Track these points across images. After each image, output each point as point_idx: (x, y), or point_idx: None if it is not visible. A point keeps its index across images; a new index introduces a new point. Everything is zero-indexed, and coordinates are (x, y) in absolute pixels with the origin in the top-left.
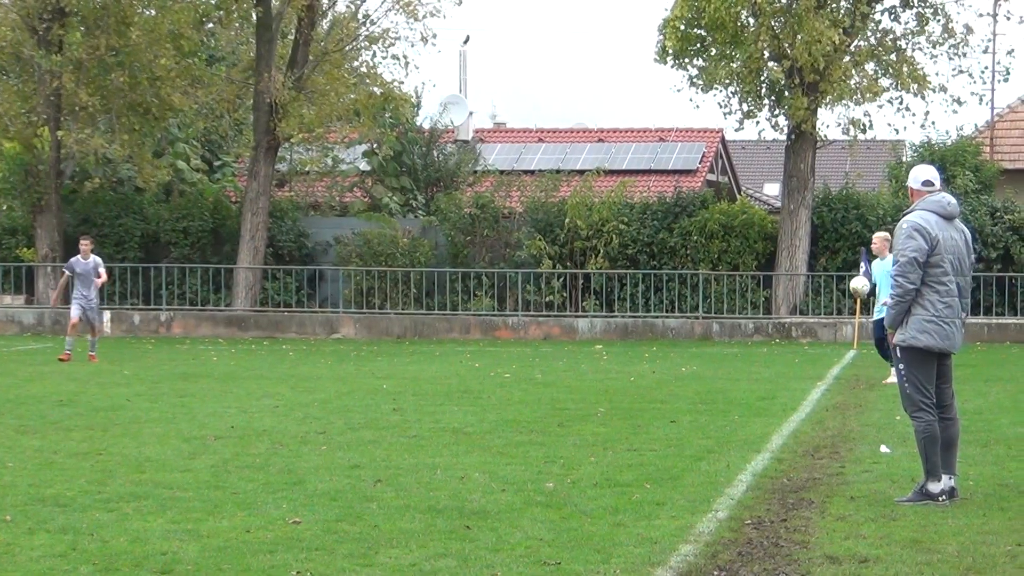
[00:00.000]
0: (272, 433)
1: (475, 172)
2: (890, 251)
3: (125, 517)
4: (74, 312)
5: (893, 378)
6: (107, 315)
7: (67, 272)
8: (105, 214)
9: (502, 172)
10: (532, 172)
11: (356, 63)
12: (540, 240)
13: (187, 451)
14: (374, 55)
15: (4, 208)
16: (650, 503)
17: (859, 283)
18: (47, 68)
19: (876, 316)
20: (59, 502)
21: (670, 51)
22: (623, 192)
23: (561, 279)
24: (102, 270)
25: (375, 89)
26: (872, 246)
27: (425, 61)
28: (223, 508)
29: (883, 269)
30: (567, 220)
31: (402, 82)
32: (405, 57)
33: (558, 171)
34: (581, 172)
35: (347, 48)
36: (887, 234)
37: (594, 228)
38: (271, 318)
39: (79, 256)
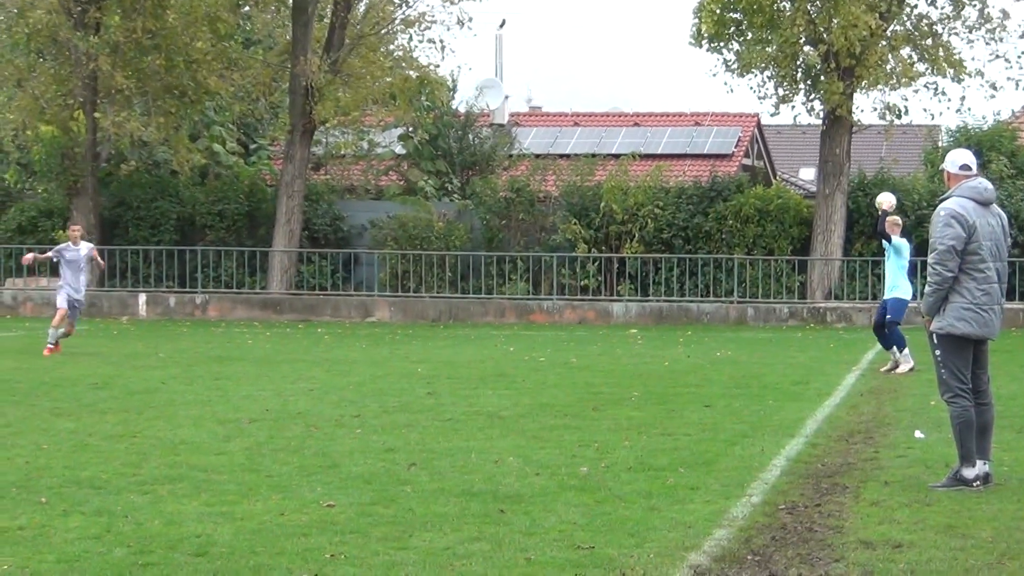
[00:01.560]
0: (307, 416)
1: (511, 156)
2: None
3: (160, 499)
4: (61, 302)
5: (891, 365)
6: (143, 297)
7: (54, 258)
8: (141, 197)
9: (537, 156)
10: (568, 156)
11: (392, 46)
12: (575, 224)
13: (222, 434)
14: (410, 38)
15: (41, 191)
16: (684, 487)
17: (886, 198)
18: (84, 51)
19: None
20: (94, 484)
21: (705, 35)
22: (659, 176)
23: (596, 263)
24: (96, 255)
25: (411, 72)
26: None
27: (461, 45)
28: (257, 491)
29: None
30: (602, 204)
31: (438, 65)
32: (441, 41)
33: (594, 155)
34: (617, 156)
35: (383, 31)
36: (898, 218)
37: (629, 212)
38: (306, 301)
39: (68, 243)
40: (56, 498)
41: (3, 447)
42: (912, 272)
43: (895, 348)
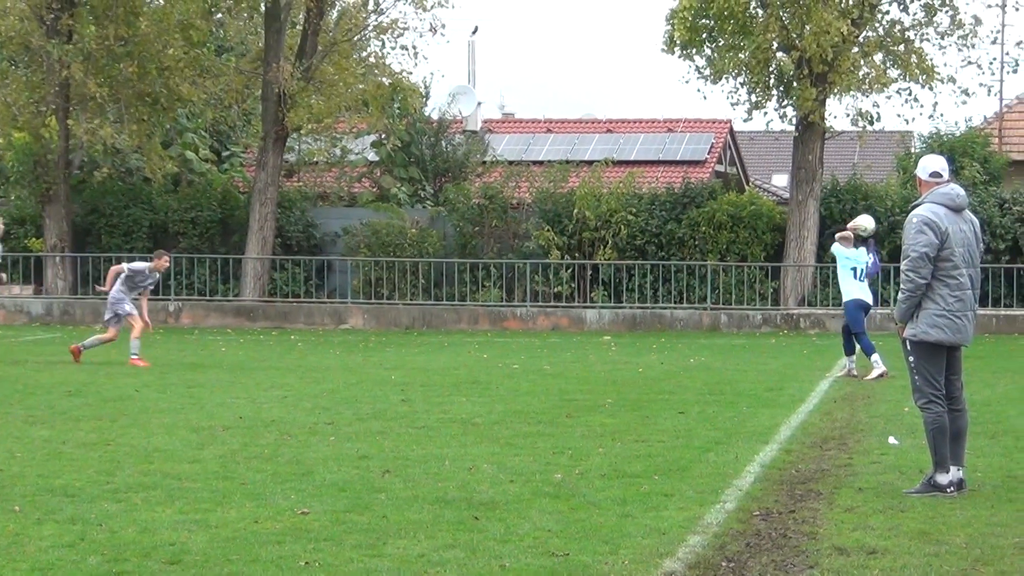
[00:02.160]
0: (280, 423)
1: (484, 163)
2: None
3: (134, 507)
4: (132, 309)
5: (872, 373)
6: None
7: (127, 271)
8: (114, 204)
9: (511, 162)
10: (541, 163)
11: (365, 53)
12: (548, 231)
13: (196, 441)
14: (383, 45)
15: (13, 198)
16: (658, 494)
17: (865, 221)
18: (56, 58)
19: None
20: (68, 492)
21: (678, 41)
22: (632, 183)
23: (569, 270)
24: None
25: (384, 79)
26: (839, 234)
27: (434, 51)
28: (231, 498)
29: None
30: (575, 211)
31: (411, 72)
32: (414, 47)
33: (567, 162)
34: (590, 163)
35: (356, 38)
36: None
37: (602, 219)
38: (279, 308)
39: (155, 269)
40: (30, 506)
41: None
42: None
43: (851, 356)
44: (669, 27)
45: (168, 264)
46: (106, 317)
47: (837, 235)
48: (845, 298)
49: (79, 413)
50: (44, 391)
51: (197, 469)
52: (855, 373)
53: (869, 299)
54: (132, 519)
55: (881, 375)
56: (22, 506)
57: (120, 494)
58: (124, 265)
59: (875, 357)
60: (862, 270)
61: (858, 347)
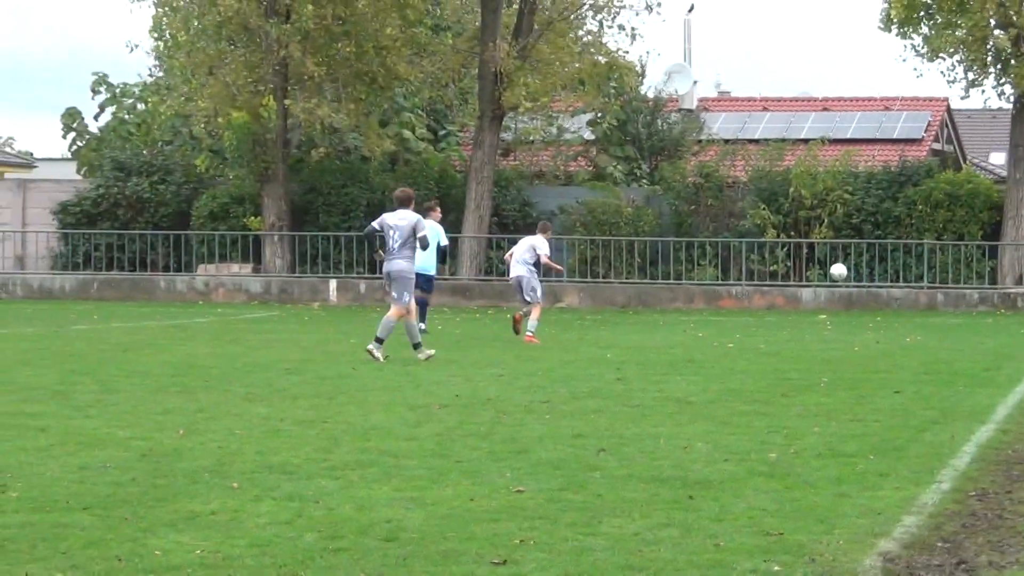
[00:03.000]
0: (496, 402)
1: (699, 141)
2: None
3: (350, 485)
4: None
5: None
6: (333, 283)
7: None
8: (331, 183)
9: (726, 141)
10: (756, 141)
11: (580, 32)
12: (764, 209)
13: (412, 419)
14: (599, 24)
15: (232, 177)
16: (874, 474)
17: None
18: (274, 38)
19: None
20: (285, 469)
21: (895, 20)
22: (848, 161)
23: (785, 248)
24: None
25: (599, 58)
26: None
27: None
28: (447, 476)
29: None
30: (791, 189)
31: (627, 51)
32: (631, 26)
33: (782, 140)
34: (805, 141)
35: (572, 17)
36: None
37: (818, 197)
38: (496, 287)
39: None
40: (248, 483)
41: (196, 432)
42: None
43: None
44: (886, 5)
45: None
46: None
47: None
48: None
49: (297, 391)
50: (262, 369)
51: (413, 447)
52: None
53: None
54: (349, 496)
55: None
56: (240, 483)
57: (337, 471)
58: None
59: None
60: None
61: None
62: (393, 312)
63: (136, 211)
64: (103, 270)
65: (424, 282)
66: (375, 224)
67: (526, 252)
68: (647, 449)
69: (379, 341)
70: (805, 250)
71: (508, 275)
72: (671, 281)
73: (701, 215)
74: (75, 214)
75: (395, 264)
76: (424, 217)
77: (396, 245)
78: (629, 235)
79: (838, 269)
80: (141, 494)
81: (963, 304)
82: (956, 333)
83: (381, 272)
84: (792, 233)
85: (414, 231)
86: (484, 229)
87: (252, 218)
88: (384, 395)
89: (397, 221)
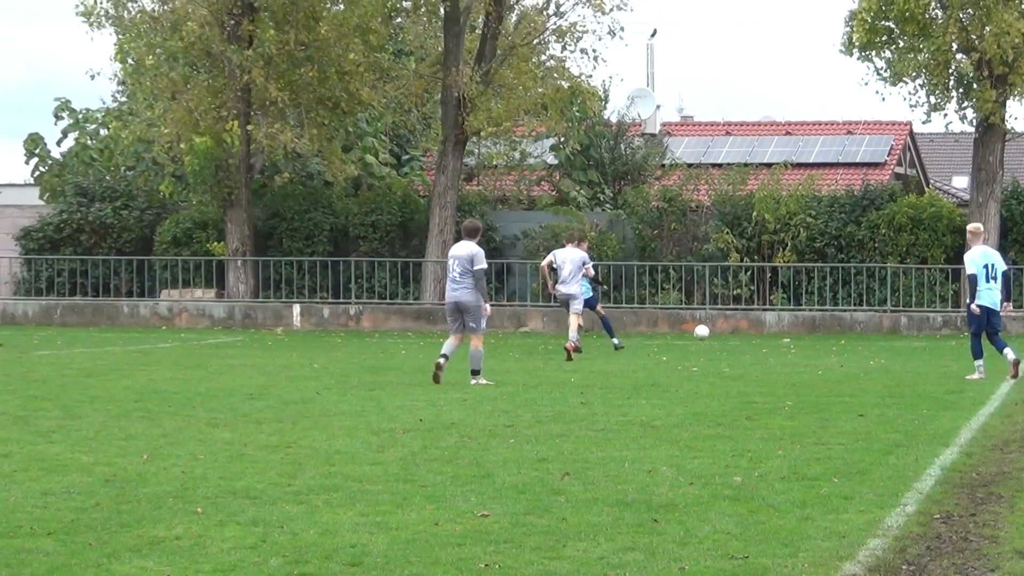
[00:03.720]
0: (460, 426)
1: (662, 166)
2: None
3: (315, 509)
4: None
5: (974, 375)
6: (297, 308)
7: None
8: (294, 208)
9: (689, 165)
10: (719, 165)
11: (543, 57)
12: (727, 234)
13: (376, 444)
14: (562, 48)
15: (195, 202)
16: (838, 497)
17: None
18: (237, 63)
19: (981, 302)
20: (249, 494)
21: (856, 43)
22: (811, 185)
23: (748, 272)
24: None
25: (562, 83)
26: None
27: (612, 54)
28: (412, 501)
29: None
30: (755, 213)
31: (590, 76)
32: (593, 51)
33: (746, 164)
34: (768, 165)
35: (534, 42)
36: (978, 226)
37: (782, 221)
38: None
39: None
40: (212, 508)
41: (160, 457)
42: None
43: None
44: (848, 29)
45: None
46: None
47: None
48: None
49: (260, 416)
50: (226, 394)
51: (378, 471)
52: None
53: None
54: (313, 521)
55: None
56: (204, 508)
57: (302, 496)
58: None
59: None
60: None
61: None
62: (476, 341)
63: (99, 236)
64: (66, 295)
65: (589, 301)
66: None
67: (574, 267)
68: (612, 473)
69: (476, 373)
70: (769, 274)
71: (557, 295)
72: (635, 305)
73: (665, 239)
74: (38, 239)
75: (460, 295)
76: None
77: (458, 274)
78: (593, 260)
79: (701, 330)
80: (105, 519)
81: (926, 327)
82: (919, 356)
83: (344, 298)
84: (756, 257)
85: (472, 262)
86: (447, 254)
87: (215, 243)
88: (348, 420)
89: (457, 251)
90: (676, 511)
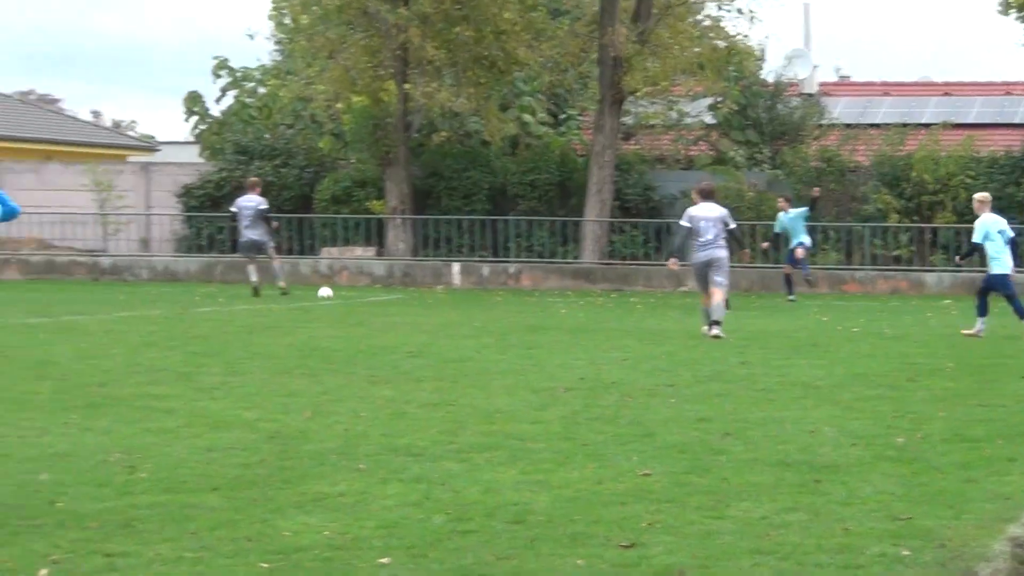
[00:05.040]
0: (621, 385)
1: (820, 126)
2: None
3: (476, 467)
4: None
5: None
6: (456, 267)
7: None
8: (453, 167)
9: (847, 125)
10: (878, 125)
11: (699, 16)
12: (886, 194)
13: (536, 402)
14: (718, 8)
15: (354, 161)
16: (1002, 459)
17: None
18: (393, 22)
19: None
20: (411, 452)
21: (1014, 4)
22: (970, 146)
23: (908, 233)
24: None
25: (719, 42)
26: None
27: (769, 14)
28: (573, 459)
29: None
30: (913, 174)
31: (746, 35)
32: (749, 10)
33: (904, 125)
34: (927, 125)
35: (690, 1)
36: (987, 195)
37: (941, 182)
38: (618, 271)
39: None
40: (374, 465)
41: (322, 414)
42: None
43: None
44: None
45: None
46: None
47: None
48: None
49: (421, 374)
50: (386, 352)
51: (539, 430)
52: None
53: None
54: (475, 479)
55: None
56: (367, 465)
57: (463, 454)
58: None
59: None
60: None
61: None
62: (720, 295)
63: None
64: (227, 253)
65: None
66: (682, 222)
67: (715, 227)
68: (772, 433)
69: (717, 324)
70: (928, 235)
71: (694, 256)
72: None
73: (824, 199)
74: (199, 197)
75: (715, 252)
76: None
77: (711, 236)
78: (751, 219)
79: (324, 291)
80: (268, 475)
81: None
82: None
83: (503, 256)
84: (915, 218)
85: (724, 222)
86: (606, 213)
87: (374, 201)
88: (508, 378)
89: (706, 213)
90: (839, 472)
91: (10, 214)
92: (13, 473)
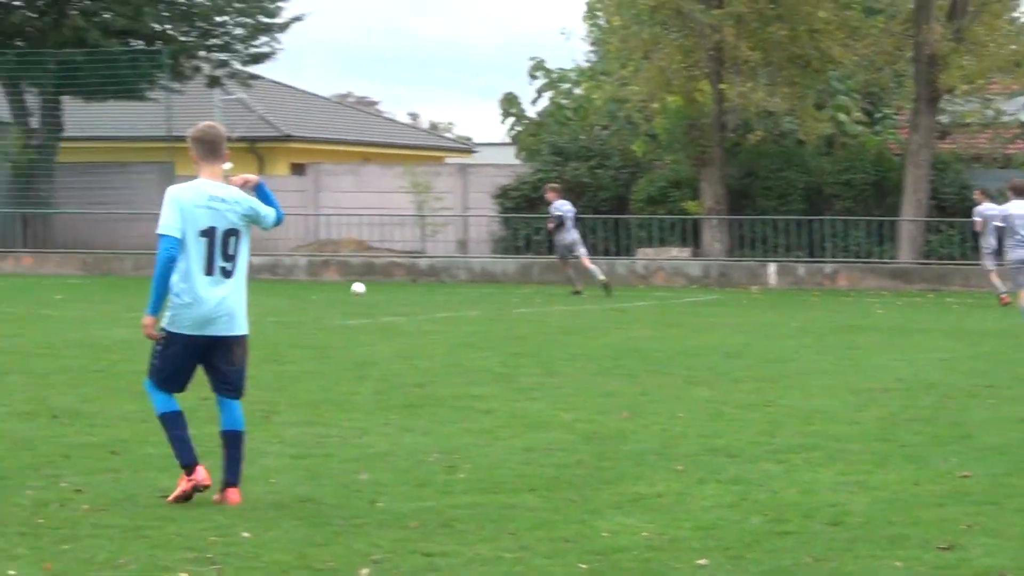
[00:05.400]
0: (939, 386)
1: None
2: None
3: (794, 468)
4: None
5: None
6: (772, 267)
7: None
8: (768, 167)
9: None
10: None
11: (1015, 13)
12: None
13: (855, 403)
14: None
15: (669, 161)
16: None
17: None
18: (707, 22)
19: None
20: (729, 452)
21: None
22: None
23: None
24: None
25: None
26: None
27: None
28: (891, 460)
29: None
30: None
31: None
32: None
33: None
34: None
35: None
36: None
37: None
38: (935, 271)
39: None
40: (692, 466)
41: (641, 415)
42: None
43: None
44: None
45: None
46: None
47: None
48: None
49: (739, 374)
50: (703, 352)
51: (856, 431)
52: None
53: None
54: (793, 480)
55: None
56: (685, 465)
57: (781, 455)
58: None
59: None
60: None
61: None
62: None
63: (575, 195)
64: (544, 254)
65: None
66: (996, 222)
67: None
68: None
69: None
70: None
71: (1011, 255)
72: None
73: None
74: (515, 198)
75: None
76: None
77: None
78: None
79: (358, 287)
80: (586, 476)
81: None
82: None
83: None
84: None
85: None
86: (922, 212)
87: (690, 202)
88: (826, 379)
89: (1022, 211)
90: None
91: (279, 220)
92: (335, 473)
